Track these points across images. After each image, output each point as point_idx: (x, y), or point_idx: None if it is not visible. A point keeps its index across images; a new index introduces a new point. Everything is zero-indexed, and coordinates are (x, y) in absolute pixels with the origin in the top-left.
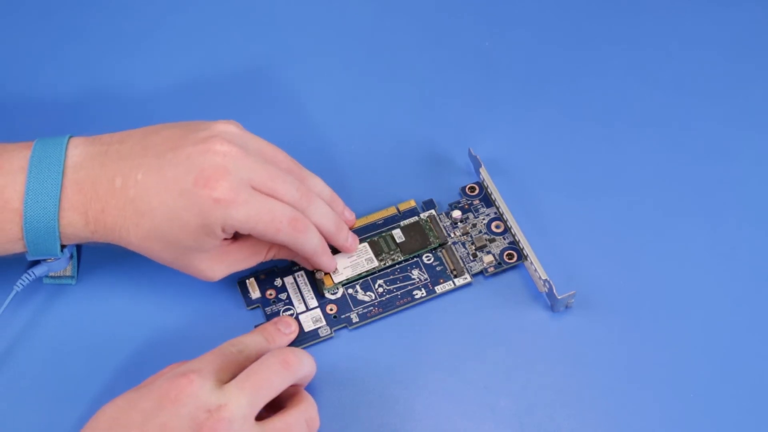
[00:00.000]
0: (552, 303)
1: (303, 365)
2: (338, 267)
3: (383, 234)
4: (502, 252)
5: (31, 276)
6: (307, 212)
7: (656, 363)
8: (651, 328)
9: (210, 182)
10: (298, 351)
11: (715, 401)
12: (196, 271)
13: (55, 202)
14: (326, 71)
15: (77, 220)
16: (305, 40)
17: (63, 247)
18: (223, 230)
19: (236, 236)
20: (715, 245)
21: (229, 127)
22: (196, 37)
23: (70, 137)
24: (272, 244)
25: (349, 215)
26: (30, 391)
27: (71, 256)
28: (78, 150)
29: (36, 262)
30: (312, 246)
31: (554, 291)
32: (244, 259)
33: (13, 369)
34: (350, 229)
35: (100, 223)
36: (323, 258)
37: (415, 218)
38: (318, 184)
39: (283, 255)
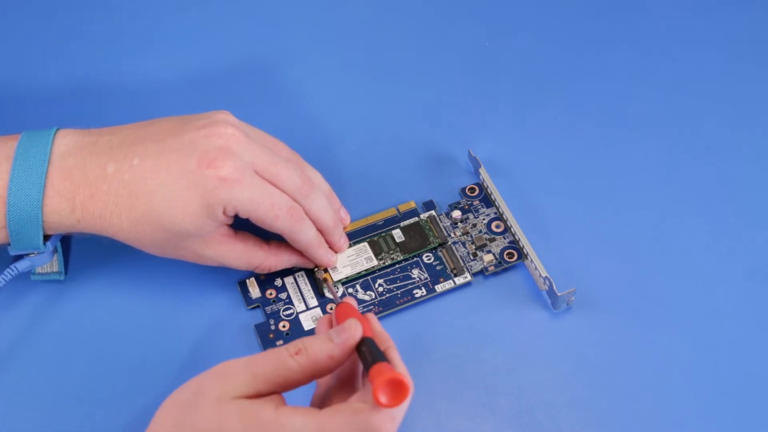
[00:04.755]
0: (552, 301)
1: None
2: (337, 266)
3: (383, 234)
4: (502, 251)
5: (13, 271)
6: (306, 201)
7: (656, 362)
8: (651, 327)
9: (215, 162)
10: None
11: (716, 401)
12: (188, 252)
13: (39, 189)
14: (326, 71)
15: (63, 207)
16: (305, 39)
17: (47, 238)
18: (225, 212)
19: (237, 232)
20: (714, 244)
21: (228, 116)
22: (195, 34)
23: (58, 129)
24: (264, 261)
25: (345, 215)
26: (29, 393)
27: (55, 251)
28: (66, 140)
29: (19, 258)
30: (308, 237)
31: (554, 288)
32: (233, 259)
33: (11, 370)
34: (344, 229)
35: (88, 209)
36: (319, 251)
37: (415, 219)
38: (317, 177)
39: (281, 263)
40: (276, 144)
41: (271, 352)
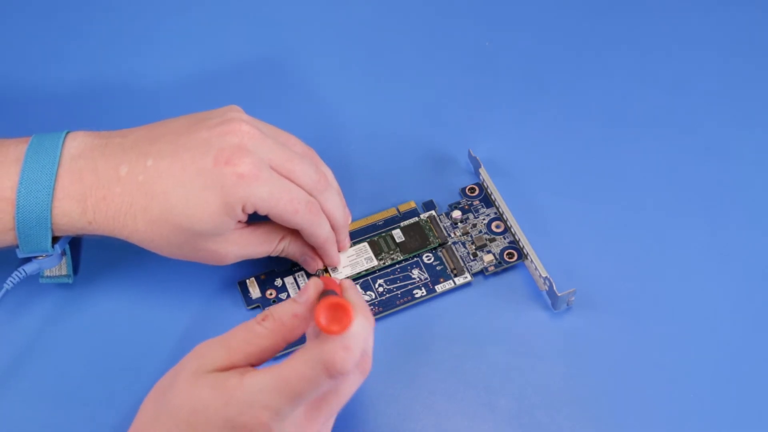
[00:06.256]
0: (552, 301)
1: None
2: (338, 266)
3: (383, 234)
4: (502, 251)
5: (21, 273)
6: (322, 197)
7: (656, 362)
8: (651, 327)
9: (232, 159)
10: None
11: (716, 400)
12: (207, 253)
13: (48, 191)
14: (326, 71)
15: (73, 209)
16: (306, 40)
17: (56, 240)
18: (244, 209)
19: (249, 222)
20: (714, 244)
21: (240, 112)
22: (197, 34)
23: (68, 132)
24: (284, 235)
25: (348, 214)
26: (33, 393)
27: (63, 253)
28: (76, 142)
29: (28, 260)
30: (326, 232)
31: (554, 288)
32: (256, 245)
33: (19, 371)
34: None
35: (100, 211)
36: (333, 248)
37: (415, 219)
38: (330, 174)
39: (292, 250)
40: (289, 139)
41: (241, 325)
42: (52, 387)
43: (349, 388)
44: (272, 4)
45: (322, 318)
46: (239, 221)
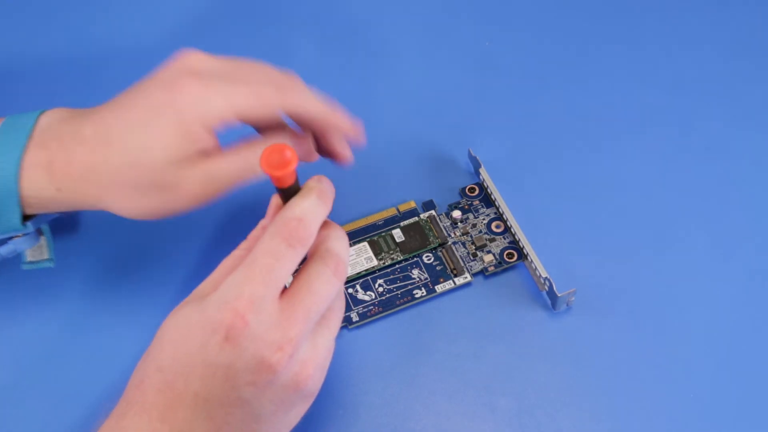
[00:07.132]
0: (552, 301)
1: (310, 228)
2: None
3: (383, 234)
4: (502, 251)
5: None
6: (291, 94)
7: (656, 363)
8: (651, 327)
9: (179, 81)
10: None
11: (716, 401)
12: (178, 194)
13: (15, 162)
14: (325, 70)
15: (40, 177)
16: (304, 39)
17: (28, 218)
18: (207, 129)
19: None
20: (714, 244)
21: (190, 59)
22: (196, 34)
23: (43, 111)
24: (266, 139)
25: (335, 108)
26: (27, 392)
27: (40, 233)
28: (48, 119)
29: (2, 243)
30: (318, 104)
31: (554, 288)
32: (234, 171)
33: (5, 364)
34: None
35: (66, 175)
36: (337, 133)
37: (415, 219)
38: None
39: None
40: (251, 70)
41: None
42: (49, 387)
43: (321, 285)
44: (272, 4)
45: (263, 161)
46: (204, 148)
